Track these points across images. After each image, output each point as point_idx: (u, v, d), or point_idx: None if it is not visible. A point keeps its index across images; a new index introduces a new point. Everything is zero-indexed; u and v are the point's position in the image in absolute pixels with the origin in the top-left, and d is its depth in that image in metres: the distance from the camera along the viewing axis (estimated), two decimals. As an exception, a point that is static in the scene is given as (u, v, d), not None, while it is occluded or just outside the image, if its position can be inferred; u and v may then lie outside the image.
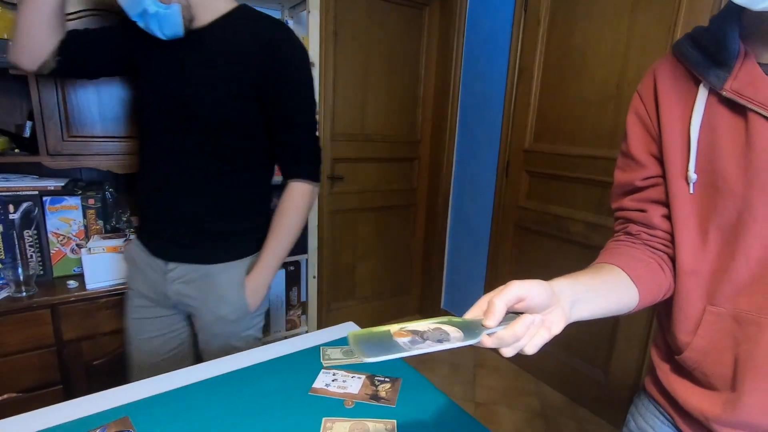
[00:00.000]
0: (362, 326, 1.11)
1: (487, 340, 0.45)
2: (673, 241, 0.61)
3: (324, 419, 0.76)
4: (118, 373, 1.40)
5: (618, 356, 1.85)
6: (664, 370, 0.66)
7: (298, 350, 0.98)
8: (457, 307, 2.71)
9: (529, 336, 0.46)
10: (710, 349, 0.57)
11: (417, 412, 0.79)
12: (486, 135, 2.37)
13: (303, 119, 1.03)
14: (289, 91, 0.99)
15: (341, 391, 0.83)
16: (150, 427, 0.72)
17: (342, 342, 1.02)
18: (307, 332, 2.10)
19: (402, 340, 0.44)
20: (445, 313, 2.79)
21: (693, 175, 0.56)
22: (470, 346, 0.45)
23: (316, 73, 1.79)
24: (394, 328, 0.46)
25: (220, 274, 1.04)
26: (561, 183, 2.02)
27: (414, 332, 0.45)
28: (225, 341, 1.08)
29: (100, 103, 1.40)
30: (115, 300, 1.36)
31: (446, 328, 0.46)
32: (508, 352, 0.46)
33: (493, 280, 2.41)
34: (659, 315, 0.68)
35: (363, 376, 0.88)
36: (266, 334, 1.98)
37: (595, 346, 1.95)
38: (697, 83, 0.56)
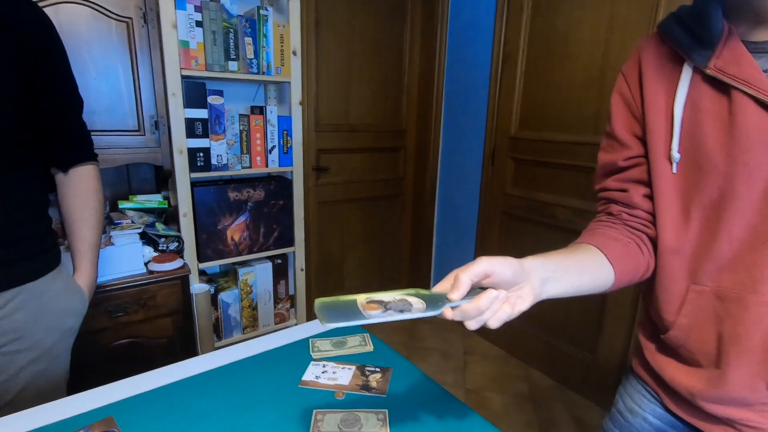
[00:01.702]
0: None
1: (449, 313, 0.47)
2: (654, 221, 0.61)
3: (315, 411, 0.75)
4: (103, 371, 1.38)
5: (605, 338, 1.88)
6: (650, 349, 0.67)
7: (287, 343, 0.97)
8: (446, 296, 2.72)
9: (493, 311, 0.47)
10: (694, 326, 0.57)
11: (408, 401, 0.78)
12: (471, 123, 2.36)
13: (76, 102, 0.92)
14: (61, 71, 0.87)
15: (331, 382, 0.83)
16: (135, 427, 0.70)
17: (331, 334, 1.01)
18: (296, 325, 2.10)
19: (366, 310, 0.46)
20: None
21: (676, 155, 0.56)
22: (433, 317, 0.47)
23: (298, 62, 1.76)
24: (361, 297, 0.49)
25: (50, 287, 0.88)
26: (547, 169, 2.03)
27: (379, 302, 0.48)
28: (65, 357, 0.95)
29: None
30: (98, 298, 1.33)
31: (411, 299, 0.48)
32: (471, 325, 0.48)
33: (481, 268, 2.42)
34: (644, 295, 0.69)
35: (353, 367, 0.88)
36: (255, 329, 1.96)
37: (582, 329, 1.98)
38: (682, 62, 0.56)
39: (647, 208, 0.62)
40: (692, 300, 0.57)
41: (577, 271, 0.57)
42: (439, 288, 0.50)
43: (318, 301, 0.48)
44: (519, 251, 2.30)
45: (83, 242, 0.95)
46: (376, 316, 0.45)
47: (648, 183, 0.61)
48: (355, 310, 0.46)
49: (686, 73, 0.55)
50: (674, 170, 0.57)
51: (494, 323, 0.47)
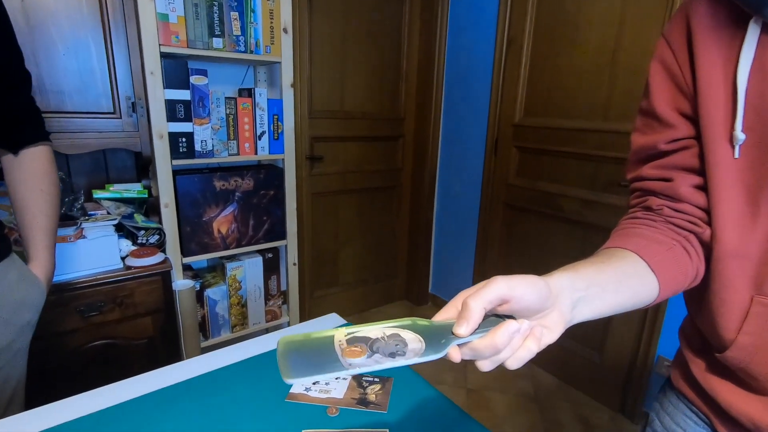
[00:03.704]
0: (346, 315, 1.00)
1: (455, 353, 0.36)
2: (704, 218, 0.50)
3: (303, 432, 0.64)
4: (75, 377, 1.26)
5: (614, 336, 1.79)
6: (698, 366, 0.56)
7: (274, 348, 0.86)
8: (445, 291, 2.62)
9: (513, 348, 0.36)
10: (760, 347, 0.47)
11: (412, 419, 0.68)
12: (473, 110, 2.25)
13: (23, 76, 0.84)
14: (6, 43, 0.79)
15: (324, 396, 0.72)
16: (90, 453, 0.60)
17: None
18: (289, 323, 1.99)
19: (343, 353, 0.34)
20: (433, 298, 2.70)
21: (740, 135, 0.45)
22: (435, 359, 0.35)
23: (289, 41, 1.63)
24: (340, 334, 0.36)
25: (3, 278, 0.81)
26: (553, 158, 1.92)
27: (364, 341, 0.35)
28: (23, 357, 0.86)
29: (41, 74, 1.22)
30: (68, 297, 1.22)
31: (406, 335, 0.36)
32: (484, 366, 0.37)
33: (482, 262, 2.32)
34: (689, 303, 0.58)
35: (348, 378, 0.77)
36: (244, 327, 1.85)
37: (589, 326, 1.89)
38: (746, 19, 0.45)
39: (697, 201, 0.51)
40: (758, 314, 0.46)
41: (615, 286, 0.46)
42: (442, 316, 0.38)
43: (281, 343, 0.36)
44: (523, 245, 2.22)
45: (38, 229, 0.87)
46: (359, 365, 0.33)
47: (698, 171, 0.50)
48: (331, 357, 0.34)
49: (752, 32, 0.44)
50: (736, 155, 0.46)
51: (514, 364, 0.37)
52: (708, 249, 0.50)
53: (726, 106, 0.46)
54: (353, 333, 0.36)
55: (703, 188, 0.50)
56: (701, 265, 0.51)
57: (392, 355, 0.34)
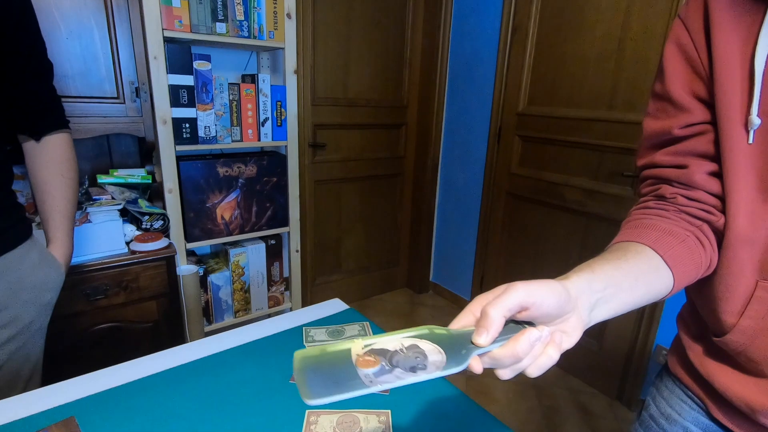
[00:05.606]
0: (348, 302, 1.02)
1: (477, 364, 0.35)
2: (719, 206, 0.50)
3: (307, 412, 0.66)
4: (82, 358, 1.29)
5: (612, 324, 1.81)
6: (696, 351, 0.57)
7: (278, 332, 0.88)
8: (446, 280, 2.64)
9: (534, 356, 0.36)
10: (760, 331, 0.47)
11: (415, 401, 0.69)
12: (477, 98, 2.24)
13: (46, 66, 0.86)
14: (31, 33, 0.81)
15: (327, 378, 0.73)
16: (99, 429, 0.61)
17: (327, 321, 0.92)
18: (291, 309, 2.01)
19: (363, 369, 0.33)
20: (434, 287, 2.72)
21: (756, 120, 0.44)
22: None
23: (293, 26, 1.62)
24: (357, 346, 0.35)
25: (24, 259, 0.82)
26: (556, 148, 1.92)
27: (381, 353, 0.34)
28: (42, 336, 0.89)
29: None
30: (73, 280, 1.23)
31: (424, 345, 0.36)
32: (504, 374, 0.36)
33: (484, 251, 2.33)
34: (689, 288, 0.58)
35: (351, 360, 0.78)
36: (247, 313, 1.87)
37: (588, 316, 1.90)
38: (766, 0, 0.44)
39: (711, 188, 0.50)
40: (761, 299, 0.47)
41: (631, 284, 0.45)
42: (458, 323, 0.38)
43: (297, 359, 0.34)
44: (524, 234, 2.23)
45: (58, 213, 0.89)
46: (380, 382, 0.32)
47: (713, 157, 0.49)
48: (351, 373, 0.32)
49: None
50: (750, 140, 0.45)
51: (534, 372, 0.37)
52: (721, 236, 0.50)
53: (743, 90, 0.45)
54: (370, 345, 0.35)
55: (718, 175, 0.49)
56: (714, 255, 0.51)
57: (413, 369, 0.33)
